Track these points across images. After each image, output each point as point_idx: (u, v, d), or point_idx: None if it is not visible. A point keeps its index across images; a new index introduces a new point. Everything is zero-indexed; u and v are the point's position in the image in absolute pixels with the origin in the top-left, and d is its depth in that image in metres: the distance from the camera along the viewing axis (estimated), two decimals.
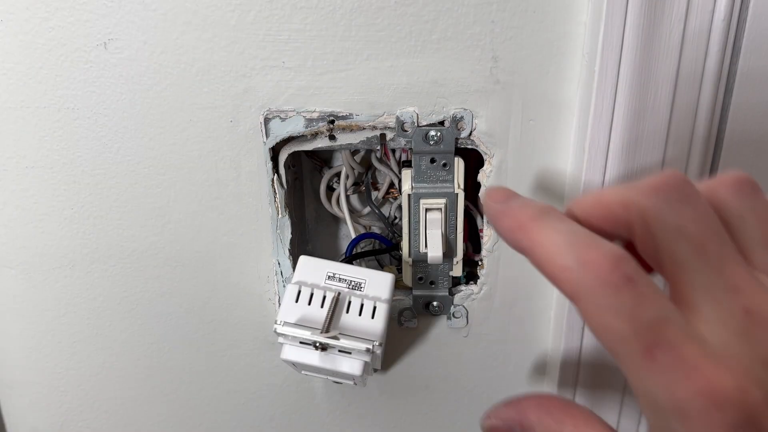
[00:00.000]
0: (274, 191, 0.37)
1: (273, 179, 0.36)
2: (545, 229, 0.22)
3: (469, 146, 0.36)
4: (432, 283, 0.39)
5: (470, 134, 0.35)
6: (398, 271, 0.42)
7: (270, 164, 0.36)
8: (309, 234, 0.44)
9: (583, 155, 0.34)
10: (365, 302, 0.33)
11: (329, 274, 0.34)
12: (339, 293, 0.33)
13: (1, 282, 0.40)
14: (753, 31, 0.32)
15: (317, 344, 0.31)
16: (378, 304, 0.33)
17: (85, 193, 0.37)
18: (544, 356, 0.41)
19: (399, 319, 0.40)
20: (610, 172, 0.34)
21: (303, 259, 0.34)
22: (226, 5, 0.32)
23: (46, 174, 0.37)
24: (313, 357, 0.32)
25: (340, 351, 0.32)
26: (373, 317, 0.32)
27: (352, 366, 0.32)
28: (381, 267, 0.43)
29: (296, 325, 0.32)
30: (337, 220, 0.44)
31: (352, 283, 0.33)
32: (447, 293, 0.39)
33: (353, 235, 0.40)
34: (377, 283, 0.34)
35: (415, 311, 0.40)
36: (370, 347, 0.31)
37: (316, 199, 0.42)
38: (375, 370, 0.40)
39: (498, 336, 0.41)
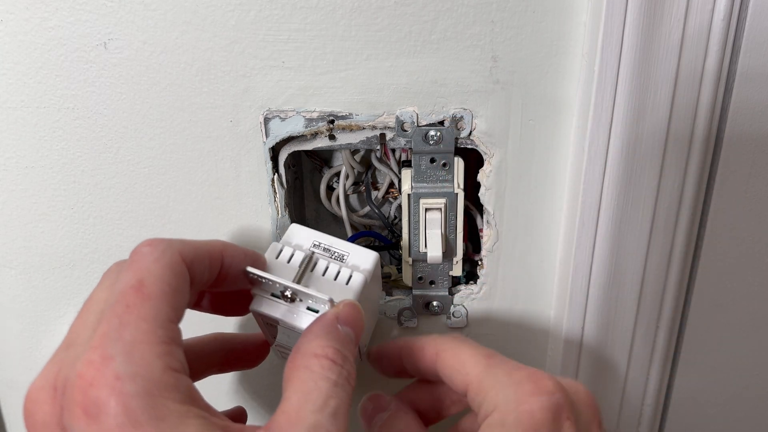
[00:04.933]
0: (274, 191, 0.37)
1: (273, 179, 0.36)
2: None
3: (469, 146, 0.36)
4: (432, 282, 0.39)
5: (470, 134, 0.35)
6: (398, 271, 0.42)
7: (270, 164, 0.36)
8: None
9: (582, 155, 0.34)
10: (342, 269, 0.32)
11: (315, 242, 0.33)
12: (313, 253, 0.32)
13: (1, 282, 0.40)
14: (753, 30, 0.32)
15: (284, 292, 0.30)
16: (355, 273, 0.32)
17: (85, 193, 0.37)
18: (544, 356, 0.41)
19: (399, 319, 0.40)
20: (609, 172, 0.34)
21: (293, 226, 0.34)
22: (226, 5, 0.32)
23: (45, 174, 0.37)
24: (278, 310, 0.31)
25: (308, 308, 0.31)
26: (347, 284, 0.32)
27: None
28: (381, 266, 0.43)
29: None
30: (337, 220, 0.44)
31: (336, 254, 0.33)
32: (447, 293, 0.39)
33: (350, 235, 0.40)
34: (361, 257, 0.33)
35: (415, 311, 0.40)
36: (334, 299, 0.30)
37: (316, 198, 0.42)
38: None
39: (498, 336, 0.41)
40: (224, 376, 0.42)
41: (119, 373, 0.22)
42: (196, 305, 0.33)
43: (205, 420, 0.23)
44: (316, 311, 0.30)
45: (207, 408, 0.24)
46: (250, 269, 0.30)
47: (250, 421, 0.43)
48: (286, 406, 0.24)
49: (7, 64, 0.34)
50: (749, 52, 0.33)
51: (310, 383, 0.25)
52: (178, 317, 0.26)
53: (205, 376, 0.33)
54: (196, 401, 0.24)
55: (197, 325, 0.34)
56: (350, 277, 0.32)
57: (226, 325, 0.40)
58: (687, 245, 0.37)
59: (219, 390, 0.43)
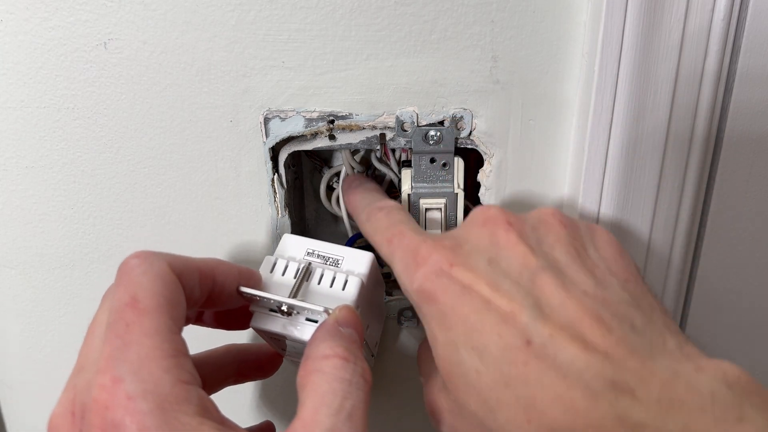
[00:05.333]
0: (274, 191, 0.37)
1: (273, 179, 0.36)
2: (355, 196, 0.35)
3: (469, 146, 0.36)
4: None
5: (470, 134, 0.35)
6: None
7: (270, 164, 0.36)
8: (309, 233, 0.44)
9: (582, 155, 0.34)
10: (338, 275, 0.32)
11: (309, 250, 0.33)
12: (310, 263, 0.32)
13: (1, 282, 0.40)
14: (753, 30, 0.32)
15: (279, 307, 0.30)
16: (350, 278, 0.32)
17: (85, 193, 0.37)
18: None
19: (399, 319, 0.40)
20: (609, 172, 0.34)
21: (285, 237, 0.34)
22: (226, 5, 0.32)
23: (45, 174, 0.37)
24: (277, 324, 0.31)
25: (307, 319, 0.31)
26: (344, 289, 0.32)
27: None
28: (381, 266, 0.43)
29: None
30: (337, 220, 0.44)
31: (330, 259, 0.33)
32: None
33: (350, 235, 0.40)
34: (355, 260, 0.33)
35: (415, 311, 0.40)
36: (329, 307, 0.30)
37: (316, 198, 0.42)
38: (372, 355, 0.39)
39: None
40: (241, 388, 0.42)
41: (130, 393, 0.22)
42: (198, 320, 0.33)
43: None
44: (316, 321, 0.30)
45: (222, 420, 0.24)
46: (243, 289, 0.30)
47: (245, 425, 0.43)
48: (301, 413, 0.24)
49: (7, 64, 0.34)
50: (749, 52, 0.33)
51: (324, 386, 0.25)
52: (179, 327, 0.26)
53: (222, 388, 0.33)
54: (210, 412, 0.24)
55: (209, 337, 0.34)
56: (346, 282, 0.32)
57: (239, 336, 0.40)
58: (687, 245, 0.37)
59: (241, 404, 0.43)
